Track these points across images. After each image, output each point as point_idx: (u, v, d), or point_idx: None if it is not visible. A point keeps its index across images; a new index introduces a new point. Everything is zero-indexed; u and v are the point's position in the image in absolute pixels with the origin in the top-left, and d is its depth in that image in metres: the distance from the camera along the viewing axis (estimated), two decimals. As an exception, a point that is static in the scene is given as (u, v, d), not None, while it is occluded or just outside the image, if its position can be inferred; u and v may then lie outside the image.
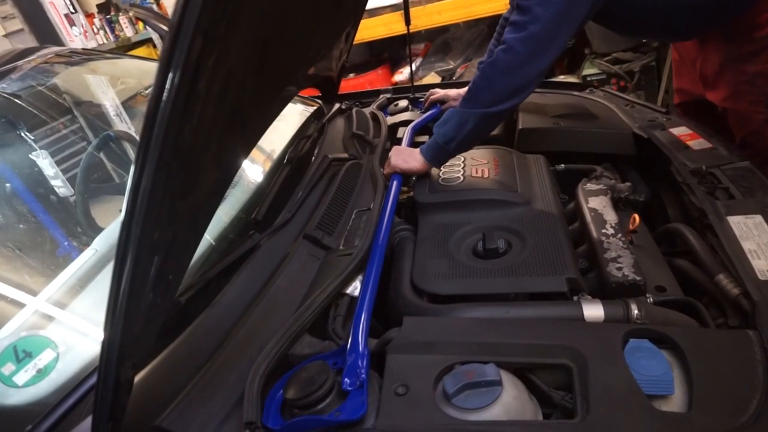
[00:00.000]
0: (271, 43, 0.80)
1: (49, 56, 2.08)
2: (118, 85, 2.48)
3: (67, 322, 1.04)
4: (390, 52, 3.96)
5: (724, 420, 0.72)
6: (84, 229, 1.81)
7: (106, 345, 0.66)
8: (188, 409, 0.84)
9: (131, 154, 2.13)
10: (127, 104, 2.46)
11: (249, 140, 1.00)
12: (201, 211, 0.80)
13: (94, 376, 0.89)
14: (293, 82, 1.30)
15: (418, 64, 3.59)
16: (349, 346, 0.91)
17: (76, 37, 4.22)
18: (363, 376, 0.84)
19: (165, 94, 0.46)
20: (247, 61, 0.70)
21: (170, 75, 0.46)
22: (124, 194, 1.72)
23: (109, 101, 2.43)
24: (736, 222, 1.08)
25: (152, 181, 0.52)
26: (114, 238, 1.35)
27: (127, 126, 2.44)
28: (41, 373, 0.89)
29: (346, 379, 0.84)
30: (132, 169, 0.52)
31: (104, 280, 1.20)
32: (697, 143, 1.40)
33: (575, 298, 1.00)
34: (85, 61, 2.24)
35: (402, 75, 3.62)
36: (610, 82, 2.85)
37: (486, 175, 1.34)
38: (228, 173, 0.91)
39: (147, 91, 2.36)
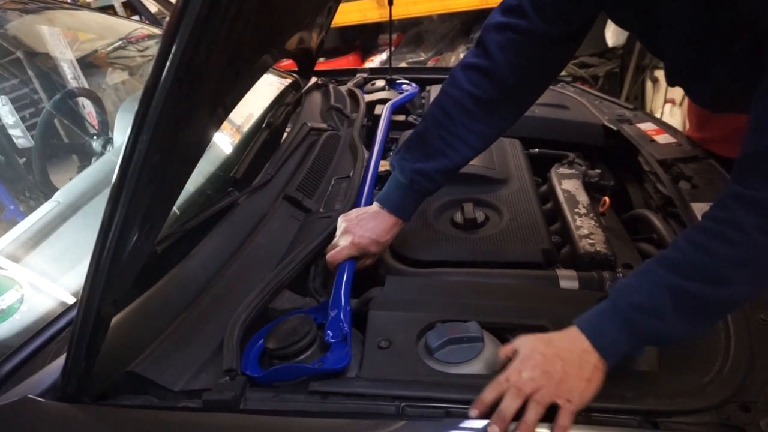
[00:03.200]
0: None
1: (4, 2, 1.96)
2: (77, 40, 2.36)
3: (31, 268, 0.99)
4: (362, 39, 3.96)
5: (690, 378, 0.76)
6: (39, 187, 1.73)
7: (92, 274, 0.64)
8: (163, 357, 0.82)
9: (93, 112, 2.04)
10: (86, 60, 2.35)
11: (238, 92, 0.98)
12: (190, 150, 0.77)
13: (61, 320, 0.86)
14: (278, 45, 1.28)
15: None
16: (331, 301, 0.90)
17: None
18: (346, 329, 0.84)
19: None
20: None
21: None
22: (81, 153, 1.64)
23: (65, 56, 2.31)
24: (699, 208, 1.14)
25: (166, 94, 0.50)
26: (77, 192, 1.30)
27: (82, 83, 2.34)
28: (4, 314, 0.84)
29: (328, 332, 0.84)
30: (147, 79, 0.50)
31: (66, 232, 1.15)
32: (663, 138, 1.47)
33: (550, 269, 1.03)
34: (42, 9, 2.12)
35: (373, 63, 3.62)
36: (575, 84, 2.95)
37: (465, 152, 1.35)
38: (216, 120, 0.88)
39: (109, 48, 2.26)
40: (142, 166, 0.55)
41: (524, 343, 0.76)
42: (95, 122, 2.01)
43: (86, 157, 1.93)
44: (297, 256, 0.97)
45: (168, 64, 0.49)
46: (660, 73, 2.84)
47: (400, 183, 1.02)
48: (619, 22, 1.05)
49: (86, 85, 2.28)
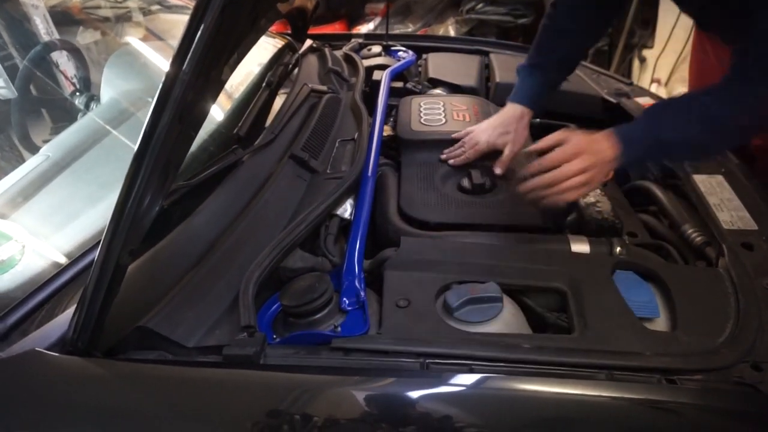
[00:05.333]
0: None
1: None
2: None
3: (29, 219, 0.94)
4: (348, 8, 3.86)
5: (705, 340, 0.78)
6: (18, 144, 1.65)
7: (116, 220, 0.61)
8: (175, 313, 0.79)
9: (68, 68, 1.94)
10: (57, 8, 2.24)
11: (249, 42, 0.94)
12: (210, 94, 0.74)
13: (66, 273, 0.82)
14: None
15: (376, 23, 3.53)
16: (344, 269, 0.89)
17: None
18: (363, 296, 0.83)
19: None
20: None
21: None
22: (59, 110, 1.57)
23: (38, 8, 2.20)
24: (700, 180, 1.16)
25: (213, 23, 0.47)
26: (67, 146, 1.24)
27: (51, 34, 2.23)
28: (4, 265, 0.80)
29: (344, 299, 0.83)
30: (194, 6, 0.47)
31: (62, 185, 1.10)
32: (661, 112, 1.48)
33: (559, 234, 1.03)
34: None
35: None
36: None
37: (468, 119, 1.34)
38: (231, 67, 0.85)
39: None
40: (180, 102, 0.52)
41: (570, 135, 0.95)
42: (69, 77, 1.92)
43: (64, 113, 1.85)
44: (309, 215, 0.95)
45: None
46: (648, 53, 2.86)
47: (525, 78, 1.23)
48: None
49: (55, 30, 2.17)
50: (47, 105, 1.94)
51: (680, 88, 2.71)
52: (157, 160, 0.58)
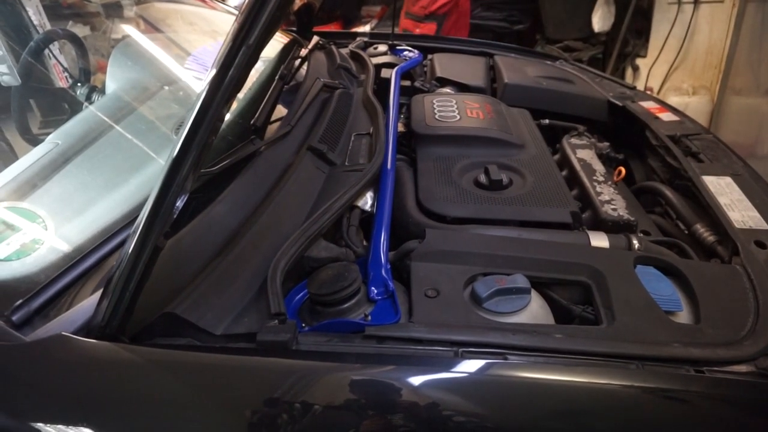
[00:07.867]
0: None
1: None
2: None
3: (46, 203, 0.92)
4: (343, 10, 3.87)
5: (728, 332, 0.79)
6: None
7: (158, 202, 0.60)
8: (201, 300, 0.78)
9: (63, 59, 1.90)
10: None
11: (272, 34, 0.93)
12: (237, 88, 0.73)
13: (88, 259, 0.80)
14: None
15: (373, 25, 3.55)
16: (370, 260, 0.89)
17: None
18: (391, 286, 0.83)
19: None
20: None
21: None
22: (58, 99, 1.54)
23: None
24: (710, 181, 1.19)
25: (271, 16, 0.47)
26: (77, 134, 1.22)
27: (44, 26, 2.19)
28: (27, 248, 0.78)
29: (372, 288, 0.83)
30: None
31: (74, 173, 1.08)
32: (666, 116, 1.51)
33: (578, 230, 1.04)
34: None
35: (355, 34, 3.56)
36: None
37: (481, 116, 1.35)
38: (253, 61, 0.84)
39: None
40: (236, 83, 0.52)
41: None
42: (60, 71, 1.89)
43: (57, 105, 1.82)
44: (333, 205, 0.94)
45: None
46: (641, 62, 2.92)
47: None
48: None
49: (46, 19, 2.13)
50: (42, 95, 1.90)
51: (673, 97, 2.77)
52: (204, 142, 0.57)
